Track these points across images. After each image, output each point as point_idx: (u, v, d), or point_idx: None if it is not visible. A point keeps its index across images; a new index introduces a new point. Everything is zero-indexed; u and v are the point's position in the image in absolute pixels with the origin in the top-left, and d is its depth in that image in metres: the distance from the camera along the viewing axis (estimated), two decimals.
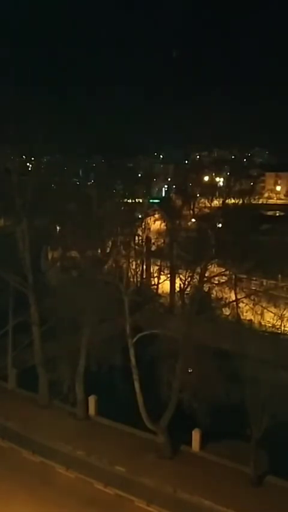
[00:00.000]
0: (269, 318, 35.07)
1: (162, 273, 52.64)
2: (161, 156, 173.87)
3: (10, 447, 30.00)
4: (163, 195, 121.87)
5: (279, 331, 33.98)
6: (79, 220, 37.93)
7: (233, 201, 41.44)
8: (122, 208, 54.34)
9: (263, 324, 35.95)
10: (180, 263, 38.30)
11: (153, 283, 54.41)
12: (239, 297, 33.69)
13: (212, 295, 33.09)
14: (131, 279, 45.10)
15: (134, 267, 52.41)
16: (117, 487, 26.36)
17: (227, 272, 33.34)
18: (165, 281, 52.32)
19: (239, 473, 27.43)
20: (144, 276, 58.26)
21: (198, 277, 31.03)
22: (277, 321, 33.59)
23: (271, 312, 34.68)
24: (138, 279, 56.26)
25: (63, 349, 32.92)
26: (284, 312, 34.30)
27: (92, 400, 33.79)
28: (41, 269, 47.26)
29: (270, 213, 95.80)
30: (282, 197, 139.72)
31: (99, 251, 39.97)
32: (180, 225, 46.67)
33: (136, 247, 52.69)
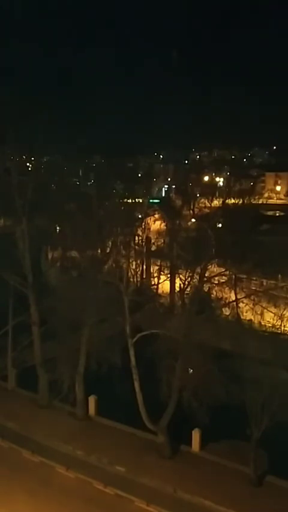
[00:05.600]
0: (269, 318, 35.06)
1: (162, 273, 52.67)
2: (161, 156, 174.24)
3: (10, 447, 29.96)
4: (163, 195, 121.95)
5: (279, 331, 33.99)
6: (79, 220, 37.94)
7: (233, 201, 41.48)
8: (122, 208, 54.46)
9: (263, 324, 35.95)
10: (180, 263, 38.28)
11: (153, 283, 54.43)
12: (239, 297, 33.68)
13: (212, 295, 33.07)
14: (131, 279, 45.10)
15: (134, 267, 52.48)
16: (117, 487, 26.30)
17: (227, 272, 33.34)
18: (165, 281, 52.34)
19: (239, 473, 27.40)
20: (144, 276, 58.31)
21: (198, 277, 31.02)
22: (277, 321, 33.61)
23: (271, 312, 34.67)
24: (138, 279, 56.32)
25: (63, 349, 32.90)
26: (284, 312, 34.31)
27: (92, 400, 33.78)
28: (41, 269, 47.29)
29: (270, 213, 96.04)
30: (282, 197, 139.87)
31: (99, 251, 39.99)
32: (180, 225, 46.67)
33: (136, 247, 52.77)
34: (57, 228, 44.44)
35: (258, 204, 60.59)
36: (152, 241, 57.88)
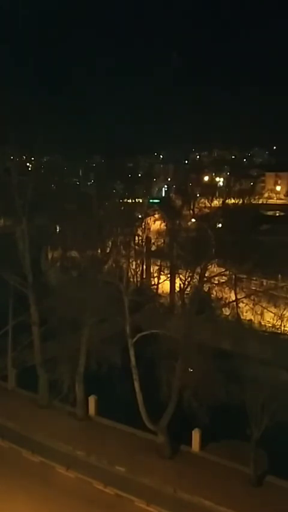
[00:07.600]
0: (269, 318, 35.08)
1: (162, 273, 52.67)
2: (161, 156, 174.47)
3: (10, 447, 29.97)
4: (163, 195, 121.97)
5: (279, 331, 34.01)
6: (79, 220, 37.95)
7: (233, 201, 41.50)
8: (122, 208, 54.53)
9: (263, 324, 35.96)
10: (180, 263, 38.28)
11: (153, 283, 54.44)
12: (239, 297, 33.68)
13: (212, 295, 33.06)
14: (131, 279, 45.14)
15: (134, 267, 52.53)
16: (117, 487, 26.31)
17: (227, 272, 33.34)
18: (165, 281, 52.34)
19: (239, 473, 27.40)
20: (144, 276, 58.33)
21: (198, 277, 31.02)
22: (277, 321, 33.62)
23: (271, 312, 34.68)
24: (138, 279, 56.36)
25: (63, 349, 32.91)
26: (284, 312, 34.33)
27: (92, 400, 33.78)
28: (41, 269, 47.31)
29: (270, 213, 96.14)
30: (282, 197, 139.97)
31: (99, 251, 40.01)
32: (180, 225, 46.67)
33: (136, 247, 52.82)
34: (57, 228, 44.43)
35: (258, 204, 60.66)
36: (152, 241, 57.92)
